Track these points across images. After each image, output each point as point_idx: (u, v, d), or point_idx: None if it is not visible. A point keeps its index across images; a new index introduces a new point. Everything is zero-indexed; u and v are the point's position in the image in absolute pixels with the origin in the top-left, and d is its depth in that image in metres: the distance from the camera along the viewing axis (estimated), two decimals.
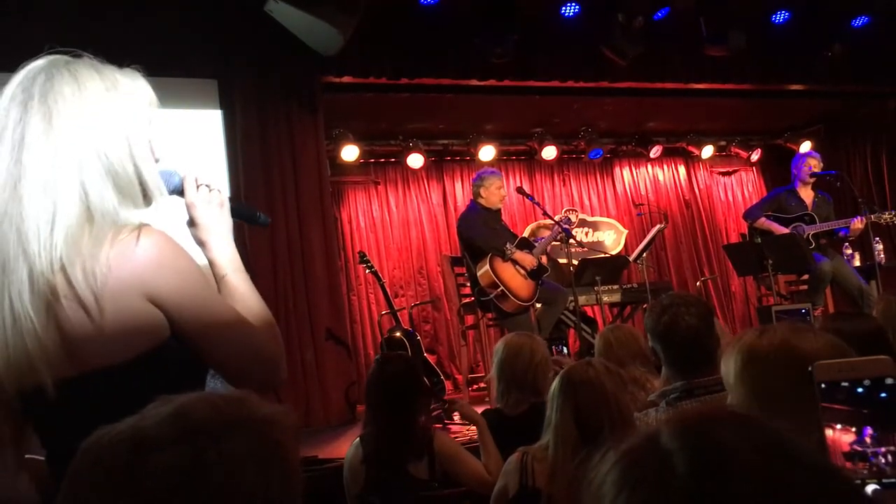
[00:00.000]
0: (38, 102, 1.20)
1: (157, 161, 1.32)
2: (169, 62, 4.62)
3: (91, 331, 1.16)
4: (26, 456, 1.31)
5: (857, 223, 5.71)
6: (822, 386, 0.84)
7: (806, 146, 8.00)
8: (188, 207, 1.41)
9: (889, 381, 0.81)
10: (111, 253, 1.17)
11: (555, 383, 2.03)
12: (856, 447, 0.80)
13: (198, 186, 1.41)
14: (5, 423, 1.25)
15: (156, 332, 1.21)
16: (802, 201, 6.01)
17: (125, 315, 1.18)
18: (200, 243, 1.41)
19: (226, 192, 1.46)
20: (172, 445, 0.73)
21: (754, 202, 7.02)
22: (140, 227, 1.21)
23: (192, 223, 1.41)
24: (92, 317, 1.16)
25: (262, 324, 1.35)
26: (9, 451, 1.27)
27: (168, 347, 1.23)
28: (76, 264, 1.15)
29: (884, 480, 0.80)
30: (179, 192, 1.41)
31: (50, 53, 1.27)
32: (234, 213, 1.47)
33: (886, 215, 5.87)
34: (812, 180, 6.02)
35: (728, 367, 1.37)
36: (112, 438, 0.74)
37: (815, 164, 6.03)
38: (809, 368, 0.86)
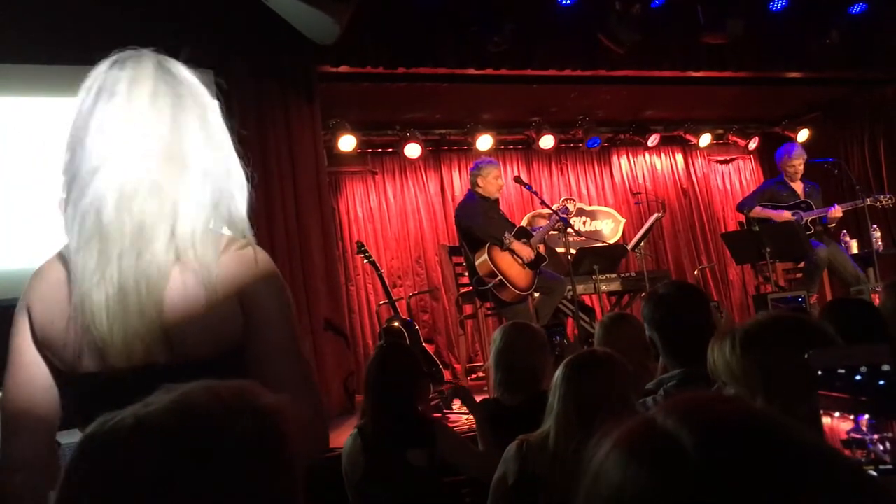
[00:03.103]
0: (191, 102, 1.30)
1: None
2: (165, 51, 4.59)
3: (197, 324, 1.20)
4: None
5: (834, 212, 5.82)
6: (819, 374, 0.84)
7: (804, 134, 8.00)
8: None
9: (885, 367, 0.81)
10: (227, 258, 1.24)
11: (558, 371, 2.03)
12: (854, 435, 0.80)
13: None
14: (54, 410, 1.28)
15: (238, 336, 1.25)
16: (794, 191, 6.06)
17: (226, 315, 1.22)
18: None
19: None
20: (174, 433, 0.73)
21: (751, 191, 7.03)
22: (254, 243, 1.30)
23: None
24: (204, 310, 1.20)
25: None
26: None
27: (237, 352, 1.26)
28: (209, 260, 1.21)
29: (880, 467, 0.80)
30: None
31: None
32: None
33: (884, 199, 5.90)
34: (797, 176, 6.07)
35: (722, 359, 1.35)
36: (115, 426, 0.74)
37: (796, 164, 6.05)
38: (805, 356, 0.86)
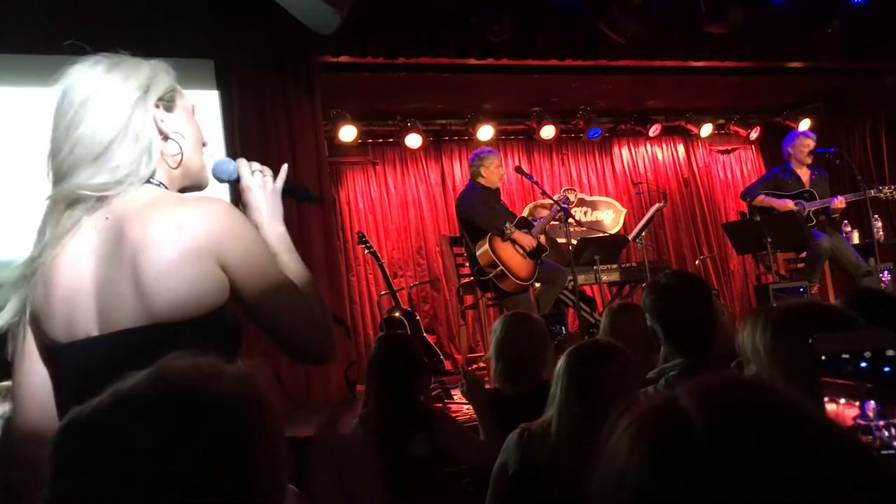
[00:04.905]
0: None
1: None
2: (165, 41, 4.57)
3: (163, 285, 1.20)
4: None
5: (837, 203, 5.80)
6: (823, 359, 0.84)
7: (805, 124, 7.97)
8: (243, 191, 1.49)
9: (890, 353, 0.81)
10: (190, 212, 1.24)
11: (561, 360, 2.02)
12: (860, 421, 0.80)
13: (252, 172, 1.50)
14: None
15: (220, 294, 1.25)
16: (800, 179, 6.03)
17: (197, 273, 1.21)
18: (254, 225, 1.47)
19: (281, 175, 1.55)
20: (155, 405, 0.73)
21: (752, 181, 7.01)
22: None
23: (246, 206, 1.49)
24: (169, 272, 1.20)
25: (315, 300, 1.41)
26: None
27: (221, 314, 1.26)
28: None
29: (882, 452, 0.80)
30: (235, 179, 1.49)
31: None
32: (290, 193, 1.55)
33: (886, 190, 5.89)
34: (809, 160, 6.03)
35: (750, 338, 1.35)
36: (94, 408, 0.74)
37: (810, 144, 6.03)
38: (810, 341, 0.86)
